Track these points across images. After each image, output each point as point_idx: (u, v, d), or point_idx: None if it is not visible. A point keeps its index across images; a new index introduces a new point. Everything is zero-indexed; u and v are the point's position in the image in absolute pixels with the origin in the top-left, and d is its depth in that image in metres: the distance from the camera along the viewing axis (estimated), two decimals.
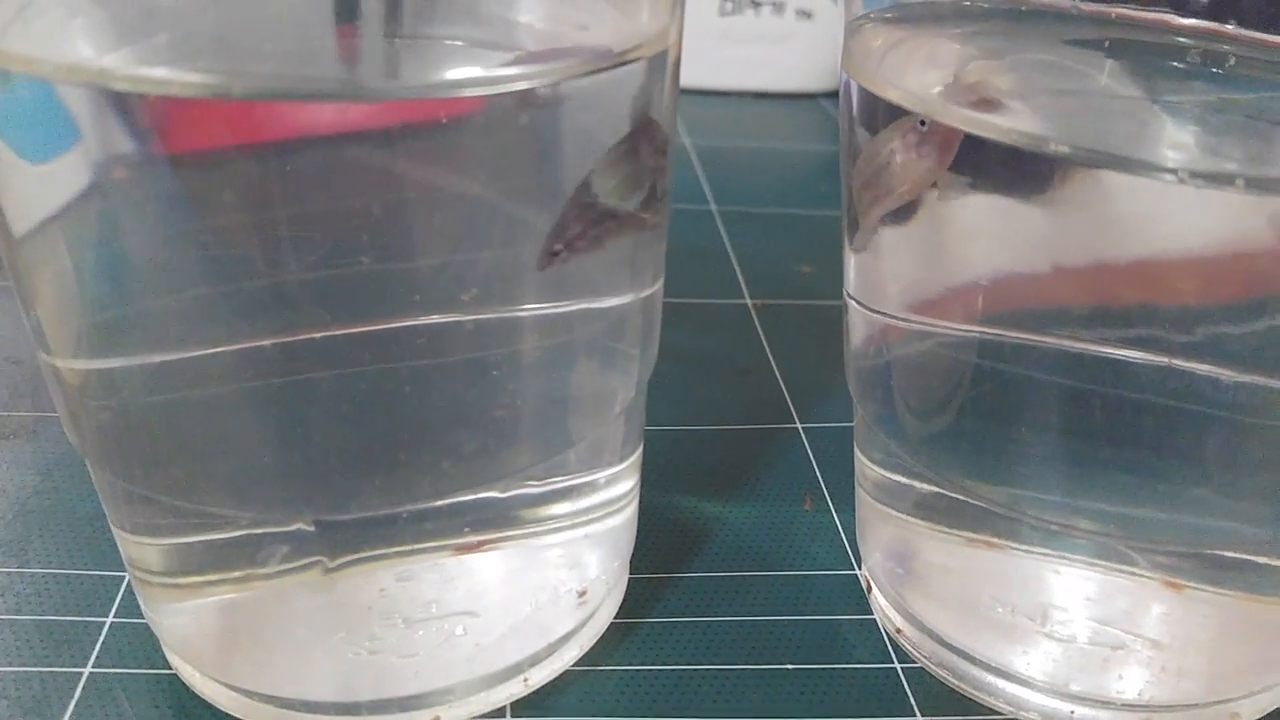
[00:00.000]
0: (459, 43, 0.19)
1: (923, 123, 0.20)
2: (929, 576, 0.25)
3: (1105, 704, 0.23)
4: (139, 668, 0.23)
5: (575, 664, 0.24)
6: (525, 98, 0.17)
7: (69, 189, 0.17)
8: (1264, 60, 0.21)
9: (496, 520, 0.22)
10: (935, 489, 0.23)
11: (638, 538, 0.26)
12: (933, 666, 0.25)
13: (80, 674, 0.23)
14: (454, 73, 0.17)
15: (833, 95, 0.63)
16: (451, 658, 0.22)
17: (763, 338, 0.37)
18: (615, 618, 0.25)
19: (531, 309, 0.19)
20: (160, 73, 0.16)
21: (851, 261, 0.24)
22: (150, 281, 0.18)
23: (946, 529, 0.24)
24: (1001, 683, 0.24)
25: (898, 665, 0.25)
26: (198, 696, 0.23)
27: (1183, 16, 0.21)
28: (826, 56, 0.61)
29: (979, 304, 0.21)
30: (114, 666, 0.23)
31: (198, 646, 0.22)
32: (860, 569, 0.27)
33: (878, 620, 0.26)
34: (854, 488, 0.27)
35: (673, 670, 0.24)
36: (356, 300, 0.18)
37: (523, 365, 0.20)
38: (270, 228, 0.17)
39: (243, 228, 0.17)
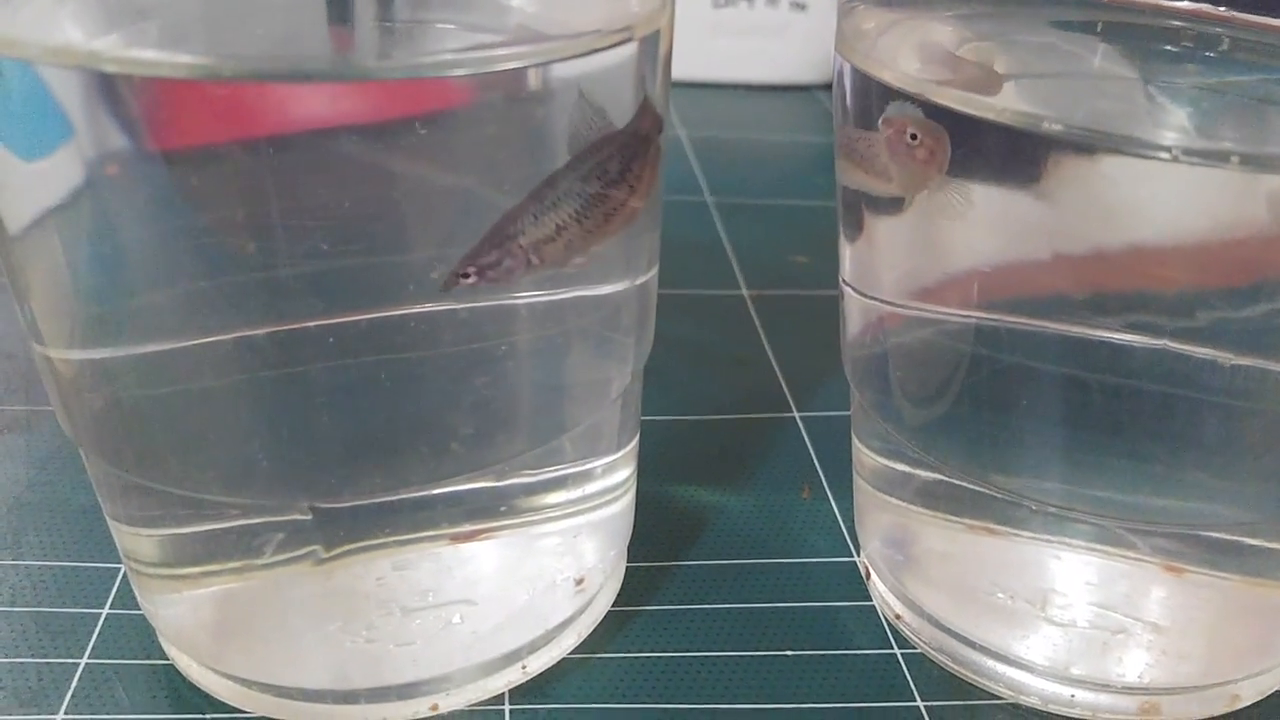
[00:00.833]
0: (450, 26, 0.18)
1: (914, 136, 0.20)
2: (928, 562, 0.25)
3: (1105, 687, 0.23)
4: (135, 658, 0.23)
5: (573, 652, 0.24)
6: (517, 86, 0.17)
7: (61, 184, 0.17)
8: (1258, 43, 0.21)
9: (493, 509, 0.22)
10: (934, 475, 0.23)
11: (636, 527, 0.26)
12: (932, 652, 0.24)
13: (77, 665, 0.23)
14: (444, 53, 0.17)
15: (827, 87, 0.63)
16: (449, 646, 0.22)
17: (759, 328, 0.37)
18: (613, 606, 0.25)
19: (526, 296, 0.19)
20: (150, 54, 0.16)
21: (847, 248, 0.24)
22: (143, 272, 0.18)
23: (946, 515, 0.24)
24: (1001, 667, 0.24)
25: (897, 651, 0.25)
26: (195, 686, 0.23)
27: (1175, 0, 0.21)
28: (821, 48, 0.61)
29: (975, 289, 0.21)
30: (110, 657, 0.23)
31: (194, 636, 0.22)
32: (859, 556, 0.27)
33: (877, 606, 0.26)
34: (851, 475, 0.27)
35: (671, 658, 0.24)
36: (350, 289, 0.18)
37: (518, 352, 0.20)
38: (263, 219, 0.17)
39: (235, 220, 0.17)
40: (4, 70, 0.16)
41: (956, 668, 0.24)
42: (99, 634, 0.24)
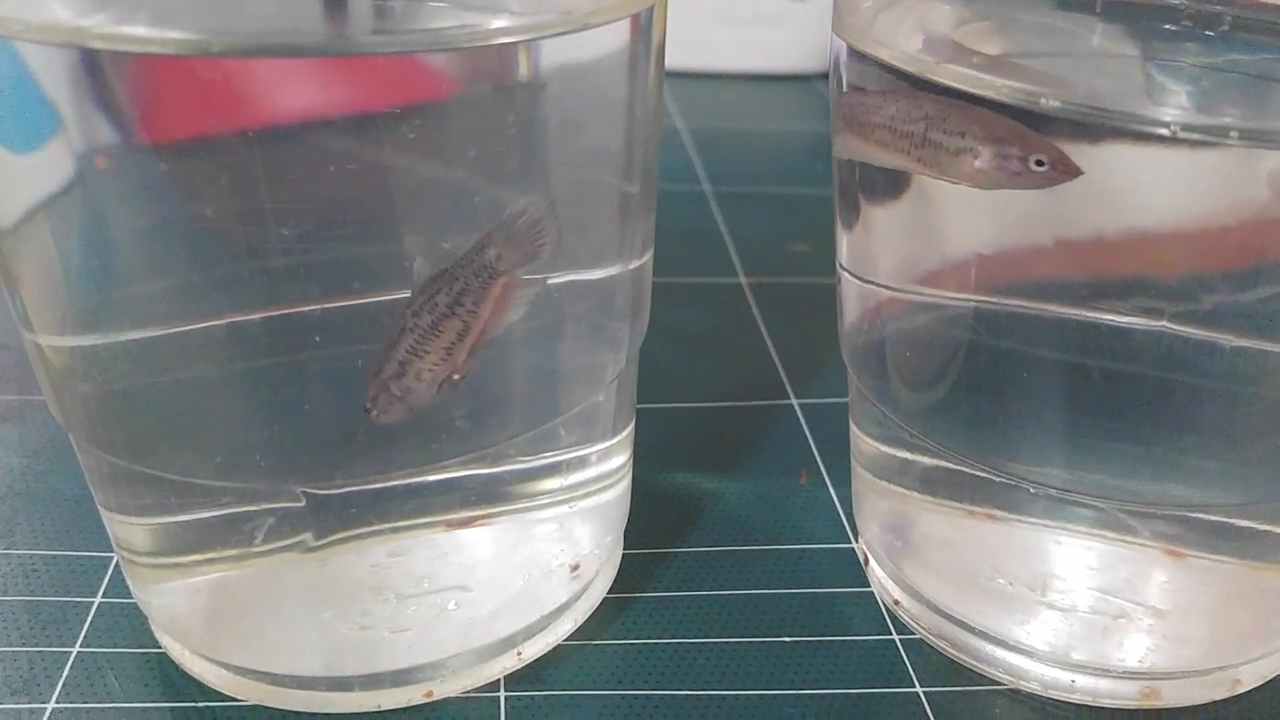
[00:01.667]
0: (442, 4, 0.18)
1: (1040, 162, 0.18)
2: (927, 548, 0.25)
3: (1106, 672, 0.23)
4: (128, 646, 0.23)
5: (569, 638, 0.24)
6: (509, 72, 0.17)
7: (51, 173, 0.17)
8: (1258, 21, 0.20)
9: (489, 495, 0.21)
10: (932, 460, 0.23)
11: (633, 513, 0.26)
12: (931, 637, 0.24)
13: (69, 653, 0.23)
14: (434, 27, 0.17)
15: (825, 77, 0.62)
16: (444, 632, 0.22)
17: (757, 316, 0.37)
18: (609, 592, 0.25)
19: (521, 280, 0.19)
20: (139, 30, 0.15)
21: (844, 233, 0.24)
22: (133, 259, 0.18)
23: (944, 500, 0.24)
24: (1001, 652, 0.23)
25: (896, 637, 0.24)
26: (187, 674, 0.22)
27: None
28: (819, 37, 0.61)
29: (973, 272, 0.21)
30: (103, 646, 0.23)
31: (187, 624, 0.22)
32: (857, 542, 0.27)
33: (875, 593, 0.26)
34: (850, 462, 0.27)
35: (667, 644, 0.24)
36: (342, 275, 0.18)
37: (511, 335, 0.19)
38: (254, 208, 0.17)
39: (225, 209, 0.17)
40: None
41: (956, 653, 0.24)
42: (91, 622, 0.24)
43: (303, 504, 0.20)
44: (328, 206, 0.17)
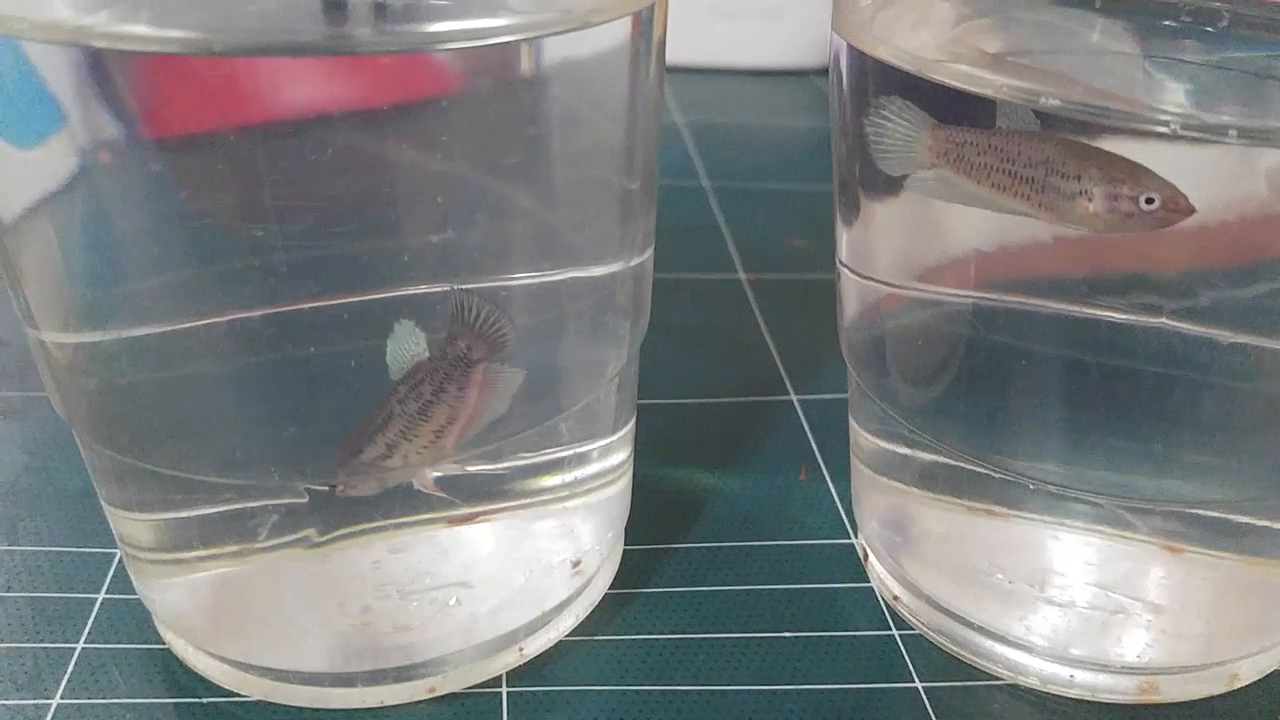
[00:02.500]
0: (444, 2, 0.18)
1: (1150, 200, 0.18)
2: (926, 544, 0.25)
3: (1104, 667, 0.23)
4: (131, 643, 0.23)
5: (571, 634, 0.24)
6: (510, 70, 0.17)
7: (54, 170, 0.17)
8: (1258, 18, 0.20)
9: (490, 492, 0.22)
10: (932, 456, 0.23)
11: (634, 509, 0.26)
12: (931, 633, 0.24)
13: (73, 649, 0.23)
14: (435, 25, 0.17)
15: (824, 72, 0.62)
16: (446, 628, 0.22)
17: (756, 312, 0.37)
18: (611, 588, 0.25)
19: (522, 278, 0.19)
20: (141, 29, 0.15)
21: (844, 229, 0.24)
22: (138, 256, 0.18)
23: (944, 496, 0.24)
24: (1000, 648, 0.24)
25: (895, 632, 0.25)
26: (191, 670, 0.23)
27: None
28: (818, 32, 0.61)
29: (972, 269, 0.21)
30: (106, 642, 0.23)
31: (190, 620, 0.22)
32: (857, 538, 0.27)
33: (875, 588, 0.26)
34: (849, 458, 0.27)
35: (669, 639, 0.24)
36: (346, 272, 0.18)
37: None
38: (258, 204, 0.17)
39: (229, 205, 0.17)
40: None
41: (955, 649, 0.24)
42: (95, 619, 0.24)
43: (306, 500, 0.20)
44: (331, 203, 0.17)
